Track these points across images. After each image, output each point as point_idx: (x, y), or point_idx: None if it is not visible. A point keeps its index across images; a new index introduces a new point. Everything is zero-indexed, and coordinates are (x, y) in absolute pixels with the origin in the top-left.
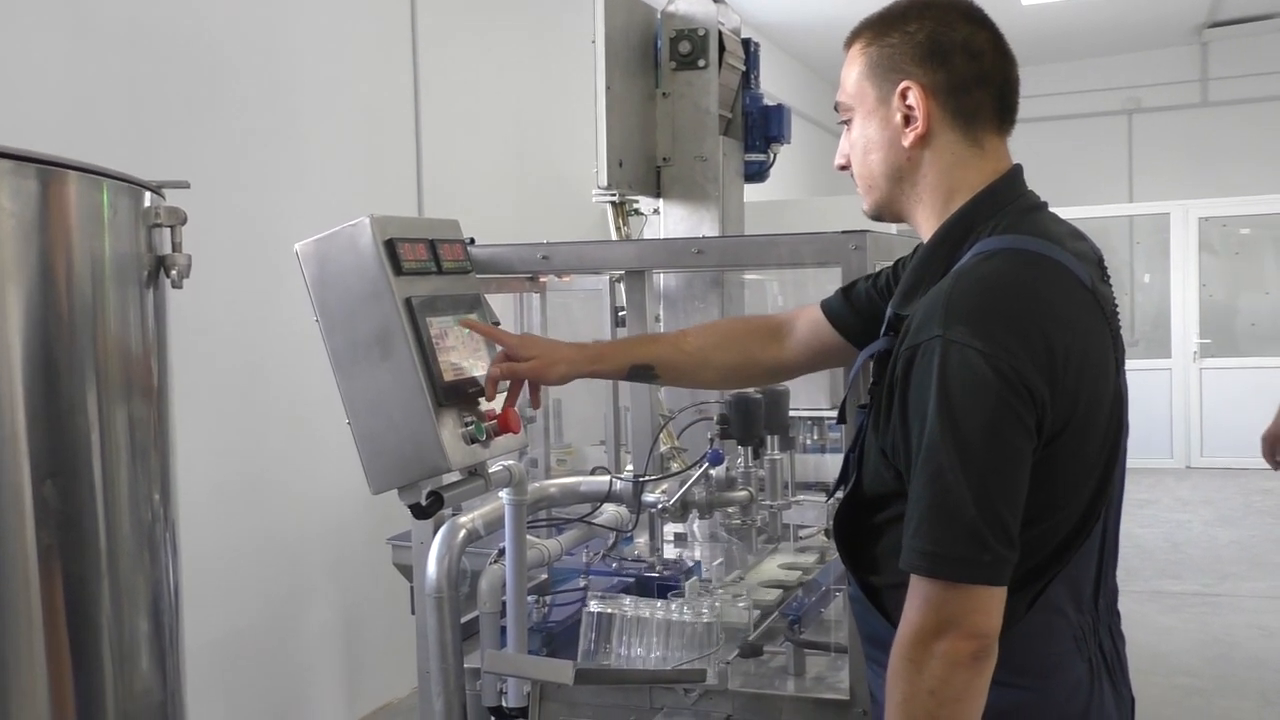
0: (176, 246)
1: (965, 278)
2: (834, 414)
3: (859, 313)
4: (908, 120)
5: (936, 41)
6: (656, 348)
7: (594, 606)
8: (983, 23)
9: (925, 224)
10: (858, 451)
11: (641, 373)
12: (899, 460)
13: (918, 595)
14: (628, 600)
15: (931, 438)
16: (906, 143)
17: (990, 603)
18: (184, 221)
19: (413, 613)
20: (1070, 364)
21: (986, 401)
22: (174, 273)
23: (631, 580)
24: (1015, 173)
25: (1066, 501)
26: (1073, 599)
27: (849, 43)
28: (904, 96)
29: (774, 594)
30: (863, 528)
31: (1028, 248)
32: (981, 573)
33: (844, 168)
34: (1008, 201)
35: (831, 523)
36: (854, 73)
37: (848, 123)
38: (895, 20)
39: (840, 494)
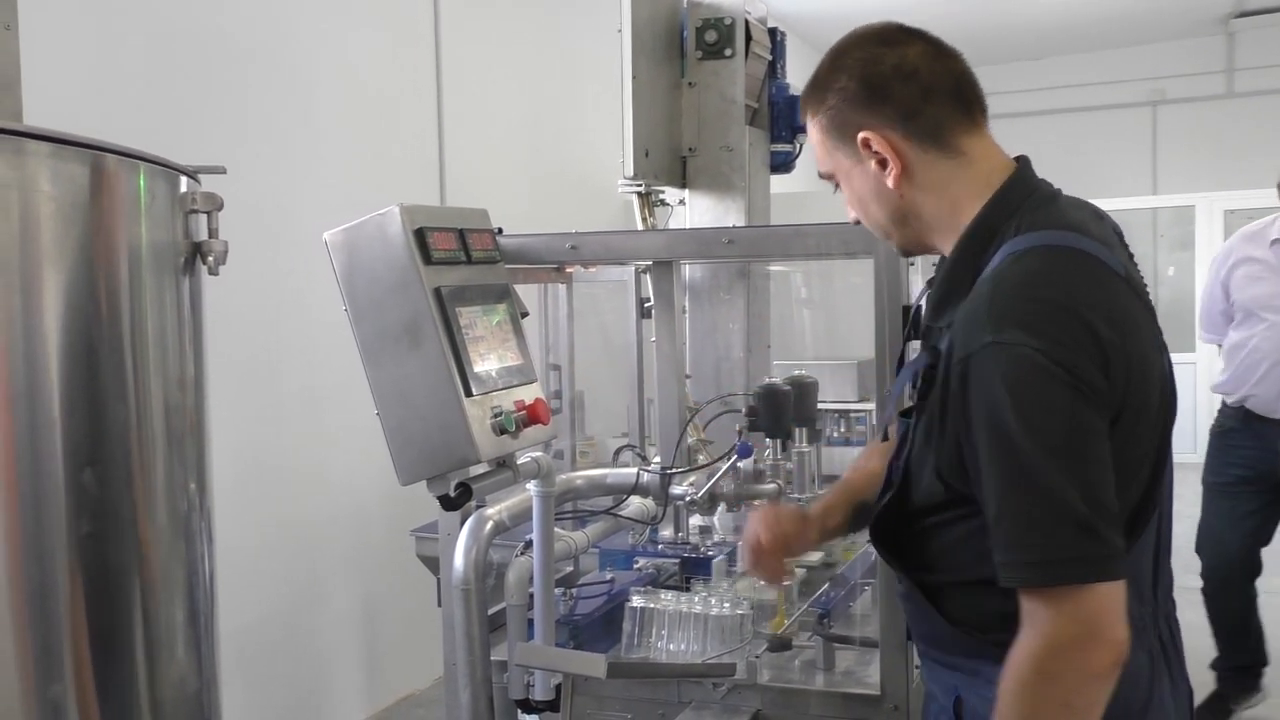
0: (213, 232)
1: (1004, 280)
2: (860, 407)
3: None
4: (883, 164)
5: (868, 83)
6: (865, 481)
7: (636, 601)
8: (904, 39)
9: (947, 245)
10: (903, 461)
11: (862, 511)
12: (955, 473)
13: (1042, 608)
14: (668, 595)
15: (1010, 445)
16: (891, 184)
17: (1118, 602)
18: (220, 207)
19: (439, 605)
20: (1117, 353)
21: (1060, 397)
22: (210, 259)
23: (677, 561)
24: (1022, 167)
25: (1126, 490)
26: (1134, 589)
27: (802, 117)
28: (867, 146)
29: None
30: (910, 531)
31: (1058, 242)
32: (1102, 568)
33: (859, 222)
34: (1023, 198)
35: (872, 528)
36: (818, 143)
37: (837, 185)
38: (825, 80)
39: (883, 501)
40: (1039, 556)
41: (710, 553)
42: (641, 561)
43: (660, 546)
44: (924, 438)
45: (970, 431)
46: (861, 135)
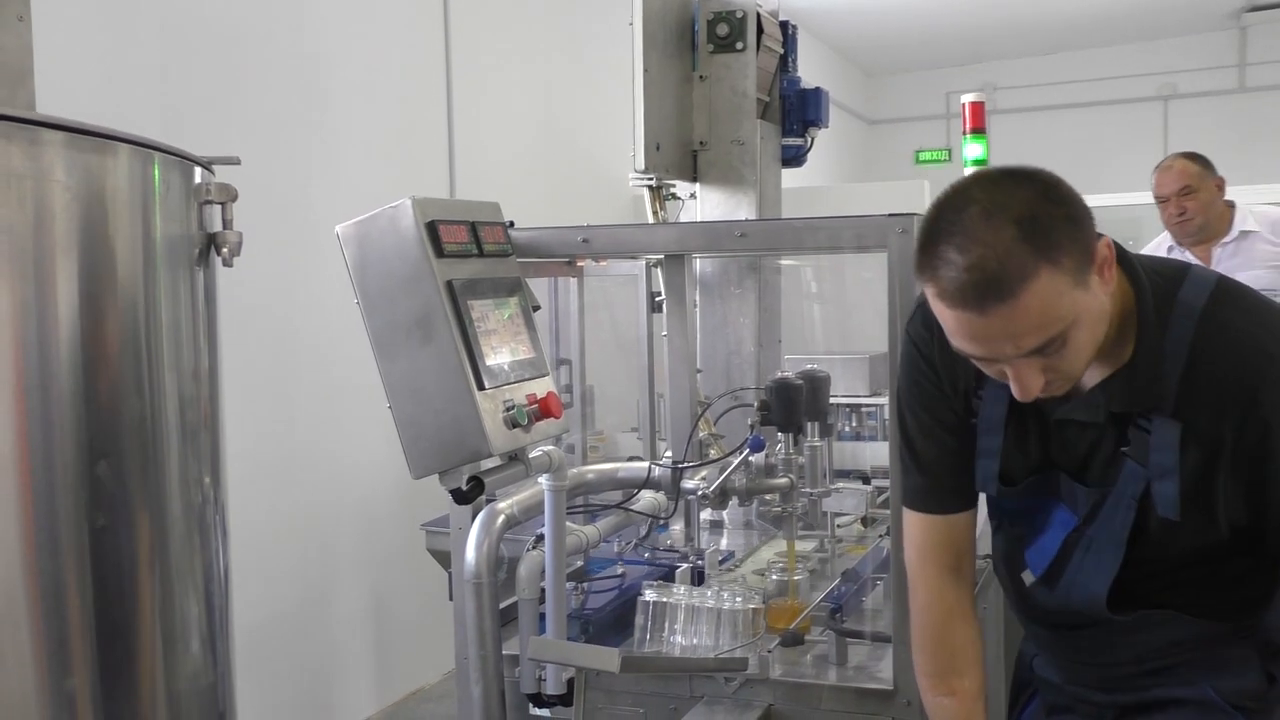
0: (227, 224)
1: (1246, 314)
2: (872, 401)
3: (962, 469)
4: (1100, 272)
5: (1072, 199)
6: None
7: (649, 595)
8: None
9: (1128, 342)
10: (1154, 527)
11: None
12: (1242, 516)
13: None
14: (681, 589)
15: None
16: (1107, 294)
17: None
18: (234, 198)
19: (450, 599)
20: None
21: None
22: (225, 250)
23: (665, 571)
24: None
25: None
26: None
27: (1014, 290)
28: (1104, 250)
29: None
30: (1158, 583)
31: (1208, 274)
32: None
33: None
34: (1139, 264)
35: (1084, 602)
36: (1048, 299)
37: (1039, 351)
38: (1043, 222)
39: (1090, 575)
40: None
41: (697, 561)
42: (623, 569)
43: (647, 555)
44: (1195, 503)
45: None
46: (1103, 241)
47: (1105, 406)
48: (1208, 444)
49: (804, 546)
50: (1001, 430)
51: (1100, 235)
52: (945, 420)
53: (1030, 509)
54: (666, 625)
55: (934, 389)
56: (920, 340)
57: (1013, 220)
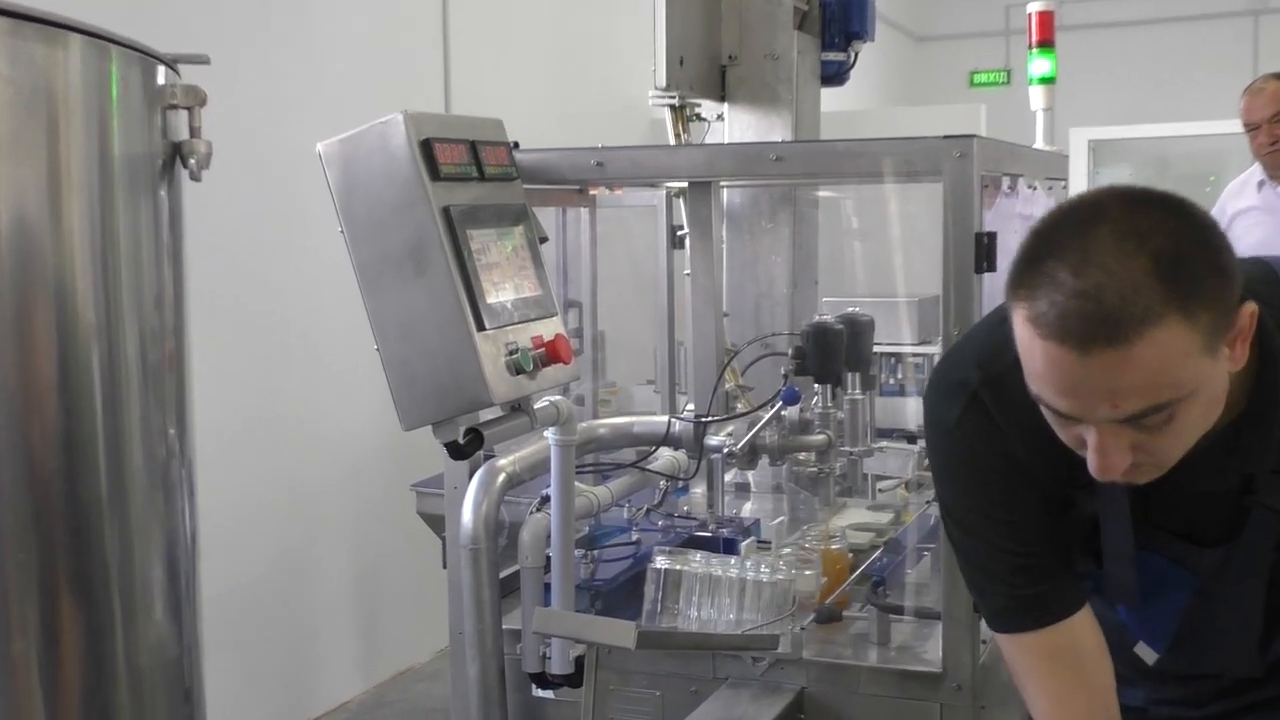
0: (195, 132)
1: None
2: (920, 349)
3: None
4: (1232, 344)
5: (1224, 245)
6: None
7: (660, 562)
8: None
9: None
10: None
11: None
12: None
13: None
14: (698, 556)
15: None
16: (1240, 360)
17: None
18: (203, 103)
19: (444, 567)
20: None
21: None
22: (193, 162)
23: (681, 541)
24: None
25: None
26: None
27: (1131, 334)
28: (1246, 319)
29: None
30: None
31: None
32: None
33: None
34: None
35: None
36: (1173, 356)
37: (1138, 419)
38: (1194, 268)
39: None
40: None
41: (724, 531)
42: (637, 535)
43: (660, 523)
44: None
45: None
46: (1249, 308)
47: (1231, 469)
48: None
49: (881, 518)
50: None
51: (1245, 299)
52: (1033, 514)
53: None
54: (681, 597)
55: (1016, 481)
56: (980, 435)
57: (1151, 252)
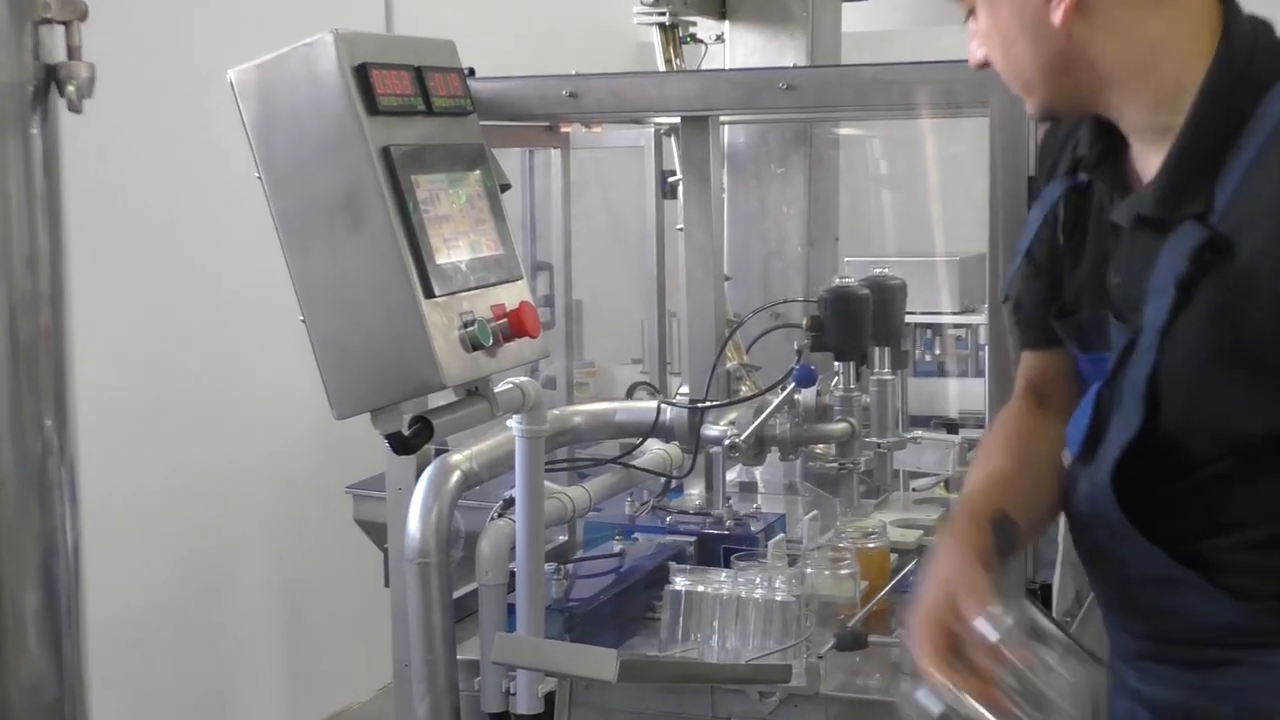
0: (74, 52)
1: None
2: (963, 320)
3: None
4: None
5: None
6: (1003, 491)
7: (680, 583)
8: None
9: (1130, 107)
10: (1142, 387)
11: (1004, 528)
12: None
13: None
14: (723, 575)
15: None
16: (1059, 20)
17: None
18: (84, 16)
19: (386, 585)
20: None
21: None
22: (71, 89)
23: (691, 540)
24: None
25: None
26: None
27: None
28: None
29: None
30: (1171, 490)
31: None
32: None
33: (984, 65)
34: (1257, 33)
35: (1099, 488)
36: None
37: (971, 12)
38: None
39: (1112, 447)
40: None
41: (751, 527)
42: (640, 539)
43: (670, 519)
44: (1204, 350)
45: None
46: None
47: (1136, 206)
48: (1246, 278)
49: (927, 516)
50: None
51: None
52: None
53: (1089, 364)
54: (697, 623)
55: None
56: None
57: None
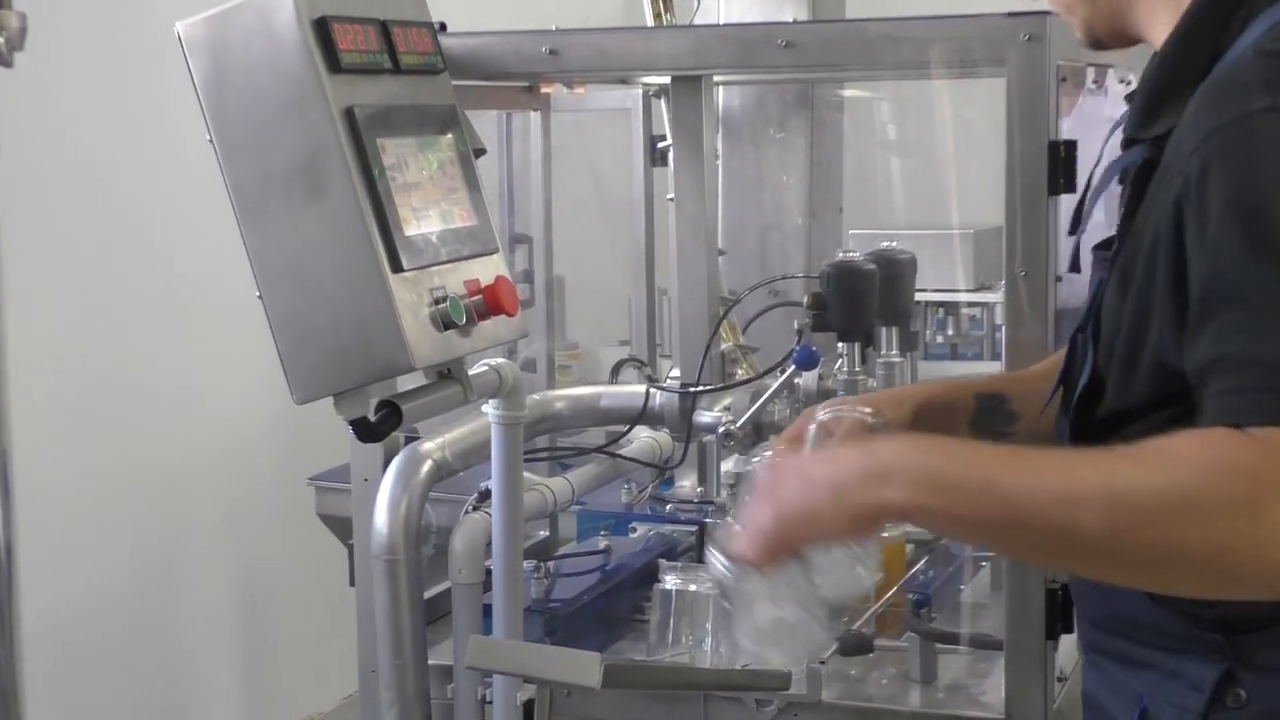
0: (3, 0)
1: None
2: (978, 298)
3: None
4: None
5: None
6: (1000, 381)
7: (670, 582)
8: None
9: (1150, 30)
10: (1090, 328)
11: (991, 405)
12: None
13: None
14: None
15: (1265, 232)
16: None
17: None
18: None
19: (352, 584)
20: None
21: None
22: (1, 40)
23: (692, 530)
24: None
25: None
26: None
27: None
28: None
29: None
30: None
31: None
32: None
33: None
34: None
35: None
36: None
37: None
38: None
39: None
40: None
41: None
42: (640, 529)
43: (670, 507)
44: (1117, 282)
45: (1203, 235)
46: None
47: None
48: (1167, 206)
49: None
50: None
51: None
52: None
53: None
54: (696, 625)
55: None
56: None
57: None
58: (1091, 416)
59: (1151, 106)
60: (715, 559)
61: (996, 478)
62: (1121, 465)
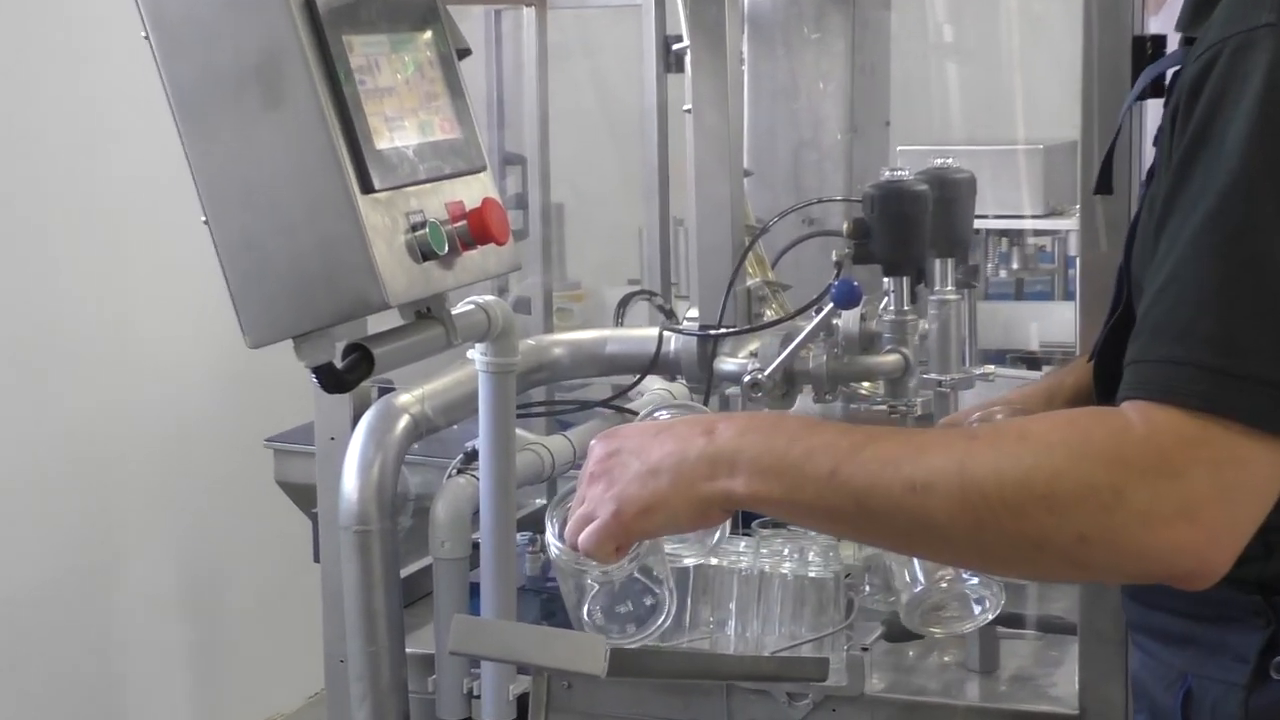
0: None
1: None
2: (1049, 225)
3: None
4: None
5: None
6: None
7: (689, 559)
8: None
9: None
10: (1125, 250)
11: None
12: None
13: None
14: (743, 544)
15: (1230, 177)
16: None
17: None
18: None
19: (316, 560)
20: None
21: None
22: None
23: None
24: None
25: None
26: None
27: None
28: None
29: None
30: None
31: None
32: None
33: None
34: None
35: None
36: None
37: None
38: None
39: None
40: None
41: None
42: None
43: None
44: (1148, 203)
45: (1171, 160)
46: None
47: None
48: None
49: None
50: None
51: None
52: None
53: None
54: (718, 606)
55: None
56: None
57: None
58: (1120, 351)
59: (1200, 3)
60: (553, 542)
61: (843, 464)
62: (977, 450)
